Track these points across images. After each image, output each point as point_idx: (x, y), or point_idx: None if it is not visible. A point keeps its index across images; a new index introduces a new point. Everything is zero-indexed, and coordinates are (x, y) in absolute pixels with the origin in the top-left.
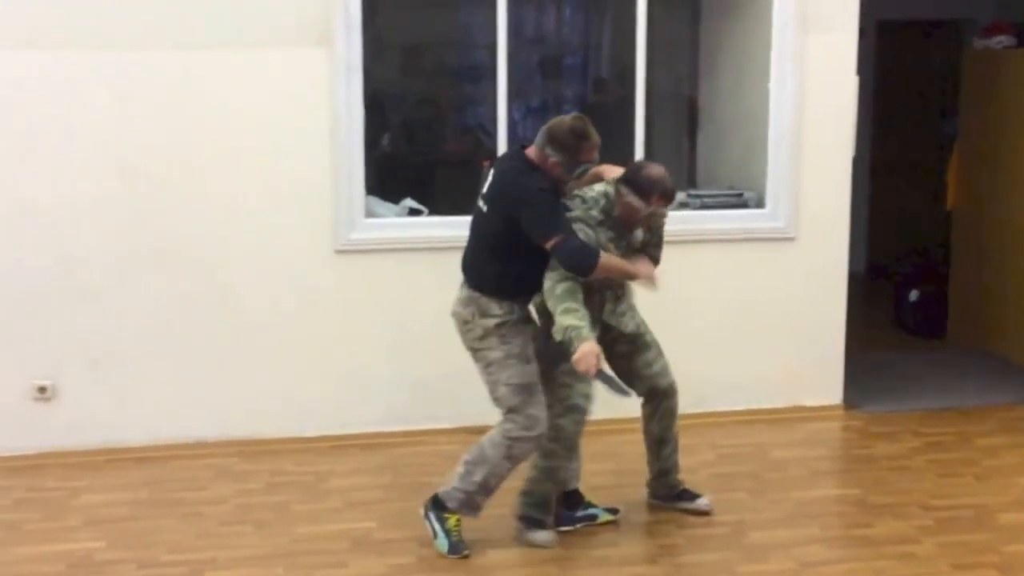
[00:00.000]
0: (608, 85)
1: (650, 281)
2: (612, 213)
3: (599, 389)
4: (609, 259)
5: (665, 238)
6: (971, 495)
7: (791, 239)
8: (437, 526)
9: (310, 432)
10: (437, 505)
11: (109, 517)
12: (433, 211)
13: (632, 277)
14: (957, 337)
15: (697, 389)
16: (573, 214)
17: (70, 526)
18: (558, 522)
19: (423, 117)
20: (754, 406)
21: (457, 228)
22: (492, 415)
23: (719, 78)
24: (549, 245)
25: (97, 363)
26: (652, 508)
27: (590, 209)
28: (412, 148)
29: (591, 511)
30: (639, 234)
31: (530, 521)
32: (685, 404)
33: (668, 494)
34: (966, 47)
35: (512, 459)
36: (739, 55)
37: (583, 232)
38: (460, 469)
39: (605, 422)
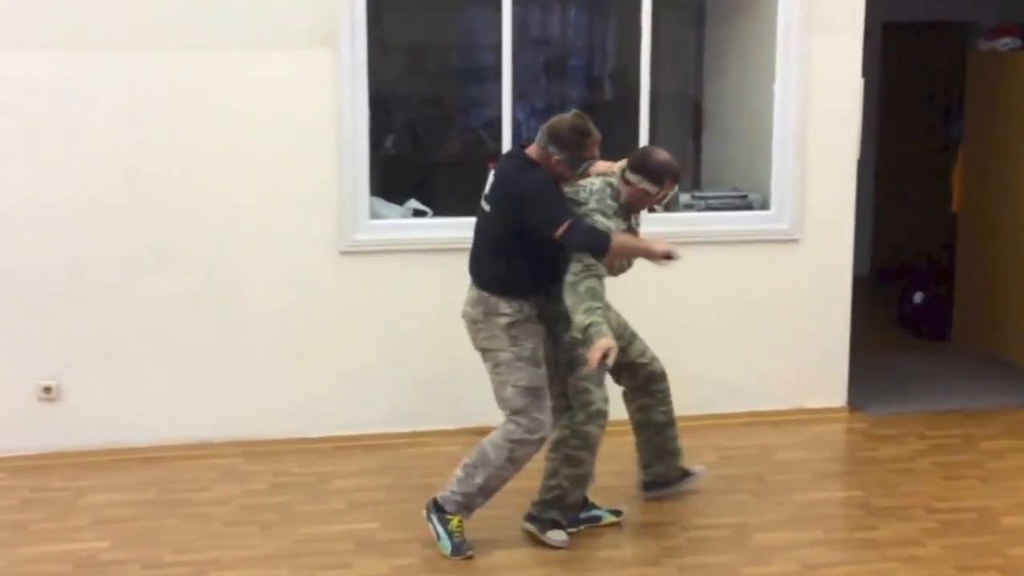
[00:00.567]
0: (613, 86)
1: (669, 257)
2: (619, 201)
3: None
4: (624, 238)
5: (668, 239)
6: (975, 498)
7: (795, 241)
8: (440, 528)
9: (314, 433)
10: (438, 508)
11: (114, 517)
12: (438, 212)
13: (649, 254)
14: (962, 339)
15: (701, 391)
16: (590, 207)
17: (75, 526)
18: None
19: (428, 118)
20: (758, 408)
21: (462, 229)
22: (495, 416)
23: (724, 80)
24: (559, 233)
25: (102, 363)
26: (656, 510)
27: (603, 200)
28: (417, 149)
29: (594, 512)
30: (635, 219)
31: (549, 523)
32: (688, 406)
33: (678, 476)
34: (971, 49)
35: (514, 462)
36: (744, 57)
37: (603, 224)
38: (459, 473)
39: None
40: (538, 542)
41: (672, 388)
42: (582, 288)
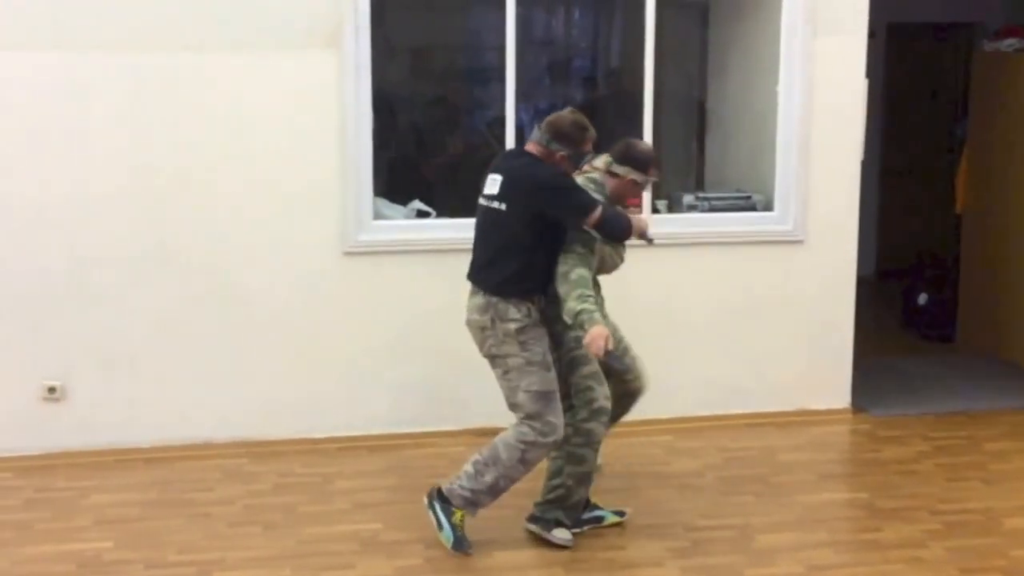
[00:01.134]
0: (616, 87)
1: (646, 235)
2: (605, 195)
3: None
4: (633, 218)
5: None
6: (979, 499)
7: (799, 242)
8: (443, 517)
9: (318, 433)
10: (443, 498)
11: (118, 517)
12: (441, 213)
13: (641, 232)
14: (966, 341)
15: (704, 392)
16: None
17: (79, 526)
18: None
19: (433, 119)
20: (762, 409)
21: (465, 230)
22: (499, 417)
23: (728, 80)
24: (593, 219)
25: (106, 364)
26: (659, 511)
27: (597, 192)
28: (420, 150)
29: (597, 513)
30: None
31: (553, 522)
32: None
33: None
34: (976, 50)
35: (525, 463)
36: (748, 57)
37: None
38: (469, 468)
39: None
40: (542, 542)
41: (676, 389)
42: (574, 276)
